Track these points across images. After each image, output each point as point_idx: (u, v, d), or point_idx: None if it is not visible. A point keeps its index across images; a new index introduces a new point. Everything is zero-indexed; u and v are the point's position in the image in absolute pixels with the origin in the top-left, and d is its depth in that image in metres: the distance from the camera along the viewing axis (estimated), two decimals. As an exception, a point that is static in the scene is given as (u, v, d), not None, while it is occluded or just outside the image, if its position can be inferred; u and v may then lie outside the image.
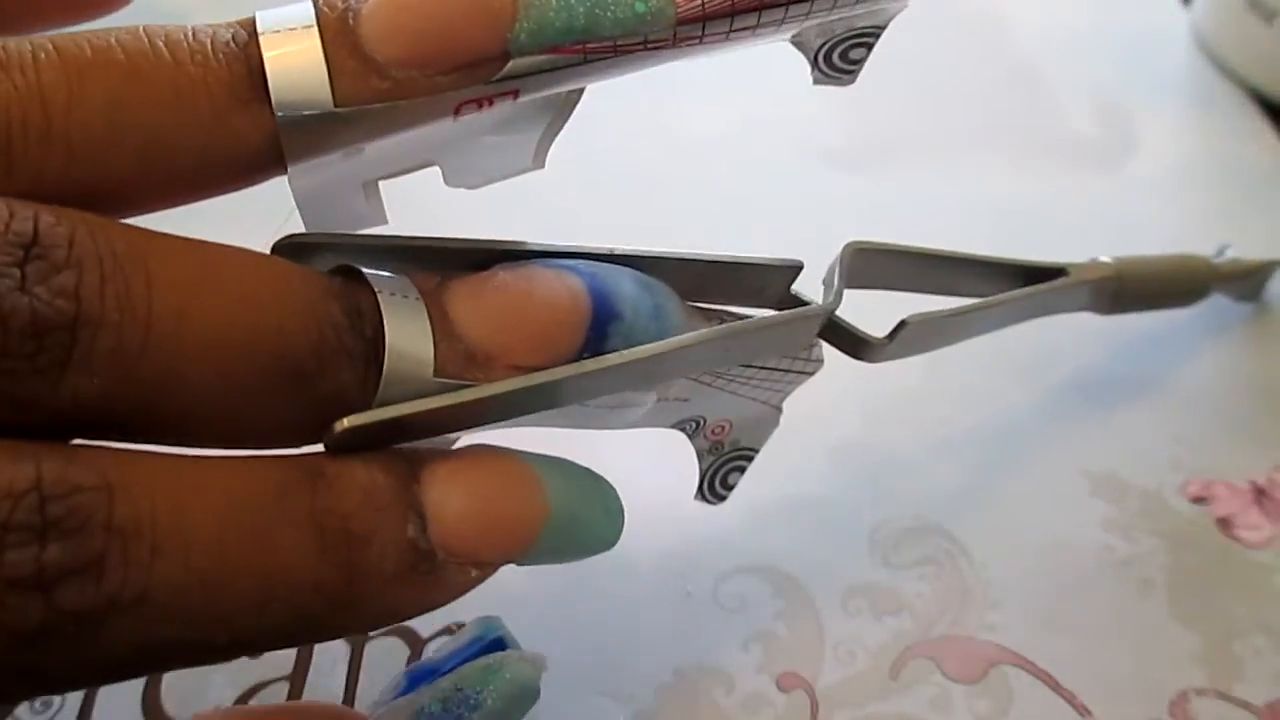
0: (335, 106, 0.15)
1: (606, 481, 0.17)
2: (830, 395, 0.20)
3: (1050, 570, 0.24)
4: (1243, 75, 0.39)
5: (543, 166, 0.18)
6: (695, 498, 0.21)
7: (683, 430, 0.20)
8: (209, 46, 0.15)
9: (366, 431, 0.15)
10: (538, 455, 0.16)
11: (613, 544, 0.17)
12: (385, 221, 0.18)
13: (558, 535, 0.16)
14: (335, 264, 0.16)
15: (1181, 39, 0.41)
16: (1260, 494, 0.26)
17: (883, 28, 0.18)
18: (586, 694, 0.21)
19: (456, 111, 0.16)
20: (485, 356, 0.16)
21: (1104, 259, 0.26)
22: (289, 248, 0.16)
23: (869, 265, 0.21)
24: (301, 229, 0.17)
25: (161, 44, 0.15)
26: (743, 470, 0.21)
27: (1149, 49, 0.40)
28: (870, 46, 0.18)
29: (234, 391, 0.14)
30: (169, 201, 0.15)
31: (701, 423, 0.20)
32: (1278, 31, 0.37)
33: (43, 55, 0.14)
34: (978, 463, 0.26)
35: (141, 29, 0.15)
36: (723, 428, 0.20)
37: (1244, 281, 0.29)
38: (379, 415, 0.15)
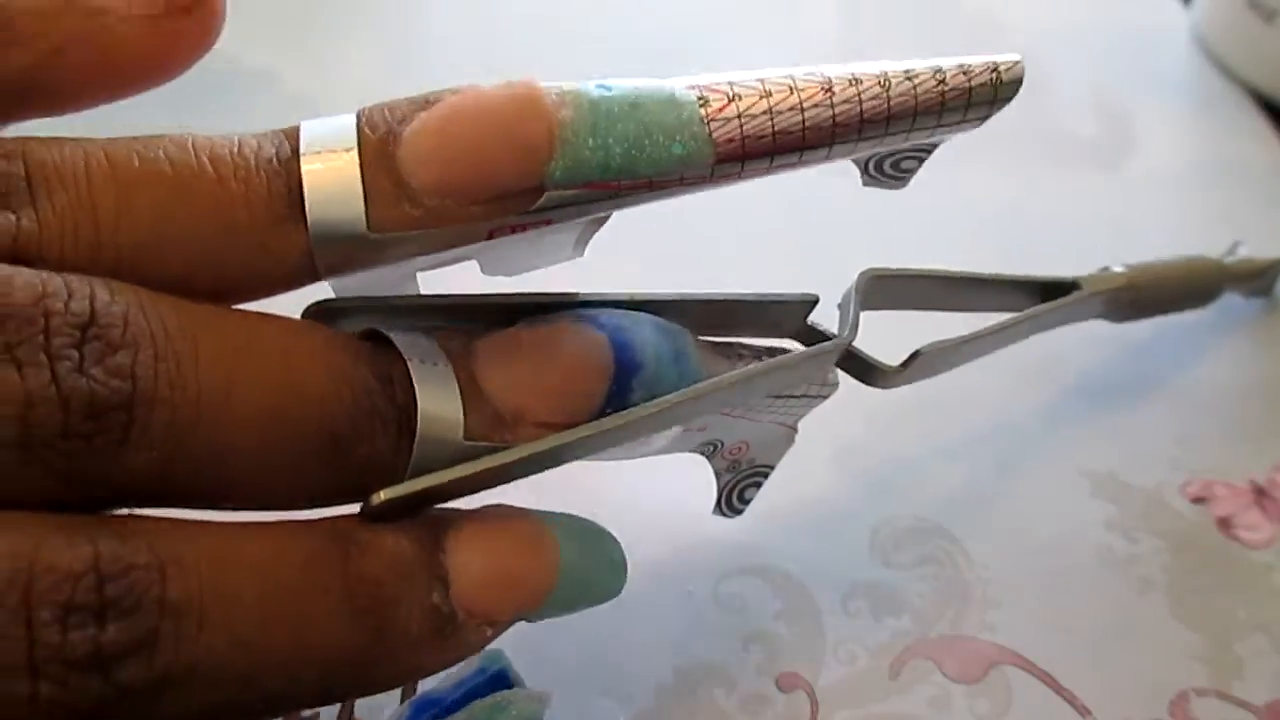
0: (368, 231, 0.15)
1: (610, 535, 0.18)
2: (831, 396, 0.20)
3: (1050, 570, 0.24)
4: (1243, 75, 0.39)
5: (582, 255, 0.18)
6: (713, 512, 0.21)
7: (701, 453, 0.20)
8: (252, 162, 0.16)
9: (400, 501, 0.15)
10: (549, 514, 0.17)
11: (616, 595, 0.18)
12: (416, 290, 0.18)
13: (567, 592, 0.17)
14: (363, 325, 0.17)
15: (1181, 39, 0.41)
16: (1260, 494, 0.26)
17: (936, 145, 0.18)
18: (586, 694, 0.21)
19: (490, 235, 0.16)
20: (513, 417, 0.16)
21: (1116, 269, 0.26)
22: (319, 313, 0.17)
23: (883, 290, 0.21)
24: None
25: (206, 158, 0.15)
26: (759, 486, 0.21)
27: (1149, 49, 0.40)
28: (922, 160, 0.18)
29: (275, 459, 0.15)
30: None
31: (719, 445, 0.20)
32: (1278, 31, 0.37)
33: (95, 166, 0.15)
34: (978, 463, 0.26)
35: (190, 141, 0.15)
36: (740, 449, 0.20)
37: (1256, 279, 0.30)
38: (413, 487, 0.15)
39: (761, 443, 0.20)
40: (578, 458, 0.17)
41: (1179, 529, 0.25)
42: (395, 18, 0.37)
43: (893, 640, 0.23)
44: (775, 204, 0.32)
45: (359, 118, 0.16)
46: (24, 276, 0.13)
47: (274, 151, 0.16)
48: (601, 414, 0.16)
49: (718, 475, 0.21)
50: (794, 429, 0.21)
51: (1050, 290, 0.24)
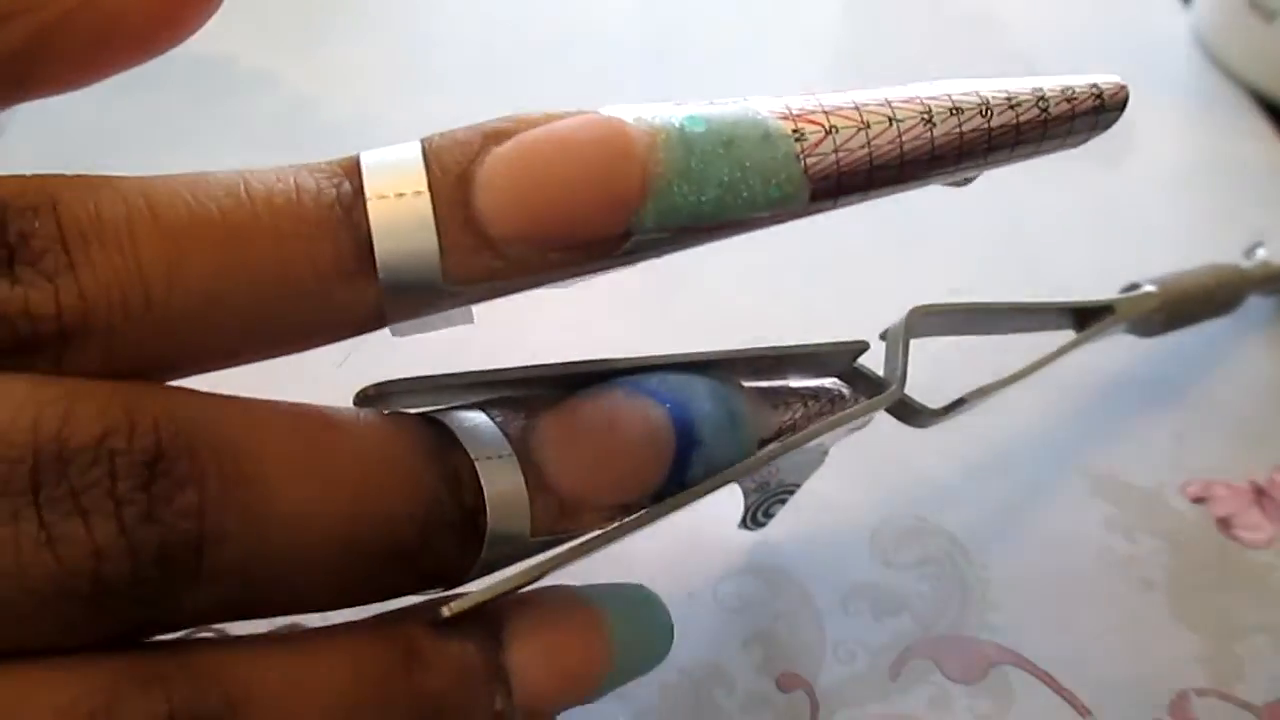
0: (444, 283, 0.14)
1: (658, 601, 0.18)
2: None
3: (1050, 570, 0.24)
4: (1243, 75, 0.39)
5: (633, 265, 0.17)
6: (738, 527, 0.21)
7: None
8: (313, 212, 0.14)
9: (468, 612, 0.15)
10: (601, 592, 0.17)
11: (662, 661, 0.18)
12: (471, 321, 0.17)
13: (621, 672, 0.17)
14: (417, 404, 0.16)
15: (1181, 39, 0.41)
16: (1260, 494, 0.26)
17: None
18: (587, 694, 0.21)
19: (566, 279, 0.15)
20: (574, 504, 0.16)
21: (1149, 288, 0.26)
22: (375, 397, 0.16)
23: (929, 323, 0.21)
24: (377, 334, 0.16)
25: (263, 209, 0.14)
26: (784, 503, 0.21)
27: (1149, 49, 0.40)
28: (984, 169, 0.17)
29: (343, 576, 0.14)
30: (266, 357, 0.15)
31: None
32: (1278, 31, 0.37)
33: (140, 223, 0.13)
34: (978, 463, 0.26)
35: (242, 188, 0.14)
36: (772, 472, 0.20)
37: (1274, 283, 0.30)
38: (484, 596, 0.15)
39: (793, 465, 0.20)
40: (634, 533, 0.17)
41: (1179, 529, 0.25)
42: (395, 18, 0.37)
43: (893, 640, 0.22)
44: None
45: (425, 153, 0.14)
46: (83, 409, 0.13)
47: (335, 194, 0.14)
48: (661, 490, 0.16)
49: (746, 494, 0.21)
50: (825, 451, 0.21)
51: (1083, 314, 0.24)
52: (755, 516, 0.21)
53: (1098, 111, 0.16)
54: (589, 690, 0.16)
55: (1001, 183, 0.33)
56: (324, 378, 0.17)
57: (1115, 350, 0.28)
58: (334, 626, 0.15)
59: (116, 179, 0.14)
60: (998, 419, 0.27)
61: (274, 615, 0.15)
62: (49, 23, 0.14)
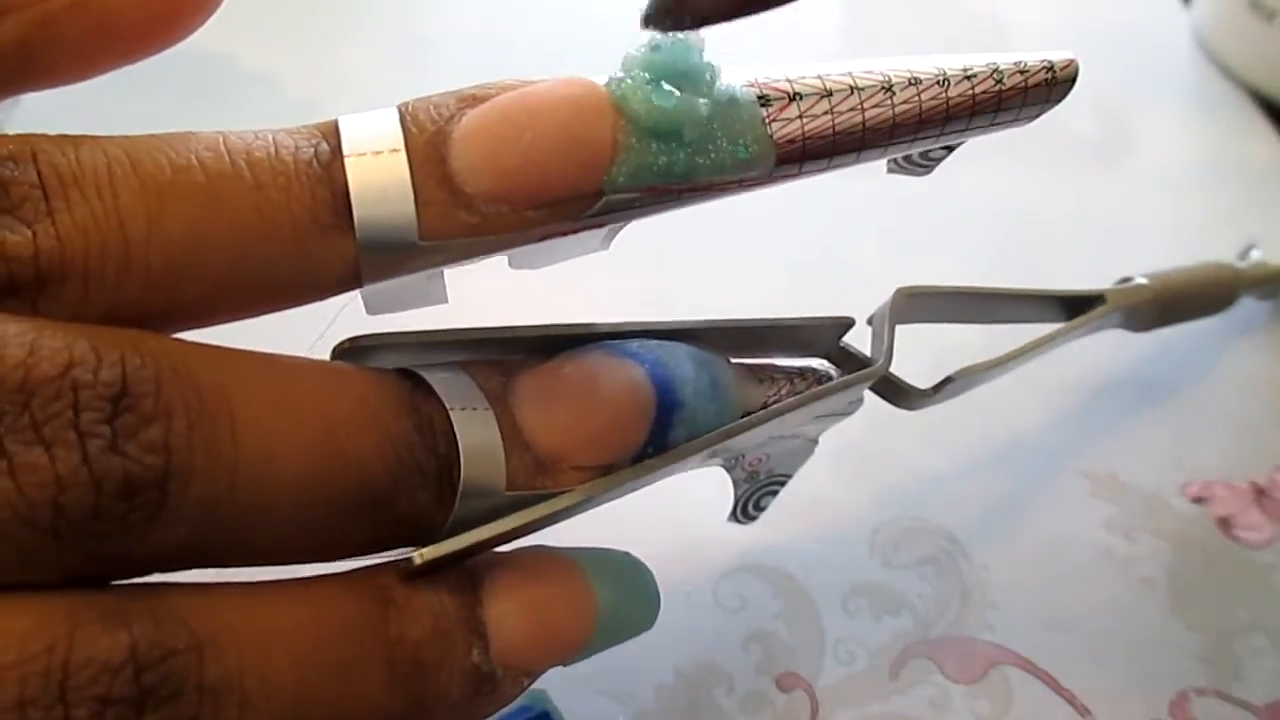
0: (420, 239, 0.15)
1: (644, 566, 0.17)
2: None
3: (1050, 570, 0.24)
4: (1243, 75, 0.39)
5: (608, 249, 0.17)
6: (728, 519, 0.21)
7: (722, 465, 0.20)
8: (292, 166, 0.14)
9: (441, 560, 0.15)
10: (583, 553, 0.17)
11: (650, 627, 0.17)
12: (446, 300, 0.17)
13: (604, 635, 0.16)
14: (396, 363, 0.16)
15: (1181, 39, 0.41)
16: (1260, 494, 0.26)
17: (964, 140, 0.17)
18: (586, 694, 0.21)
19: (541, 238, 0.16)
20: (552, 461, 0.16)
21: (1139, 280, 0.26)
22: (350, 351, 0.16)
23: (915, 306, 0.21)
24: (353, 313, 0.17)
25: (243, 162, 0.14)
26: (775, 494, 0.21)
27: (1149, 49, 0.40)
28: (952, 150, 0.18)
29: (313, 521, 0.14)
30: (241, 316, 0.15)
31: (741, 458, 0.20)
32: (1278, 31, 0.37)
33: (119, 172, 0.14)
34: (977, 463, 0.26)
35: (222, 143, 0.14)
36: (760, 460, 0.20)
37: (1269, 284, 0.30)
38: (454, 546, 0.15)
39: (782, 454, 0.20)
40: (615, 498, 0.17)
41: (1179, 529, 0.25)
42: (395, 19, 0.37)
43: (893, 640, 0.22)
44: (769, 198, 0.32)
45: (402, 115, 0.15)
46: (49, 342, 0.12)
47: (313, 152, 0.15)
48: (641, 452, 0.16)
49: (736, 485, 0.21)
50: (815, 441, 0.21)
51: (1075, 304, 0.24)
52: (745, 509, 0.21)
53: (1049, 85, 0.17)
54: (571, 649, 0.16)
55: (1001, 182, 0.34)
56: (302, 352, 0.17)
57: (1115, 351, 0.28)
58: (305, 578, 0.15)
59: (100, 137, 0.14)
60: (998, 419, 0.27)
61: (244, 564, 0.14)
62: (46, 16, 0.14)
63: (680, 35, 0.15)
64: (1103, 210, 0.33)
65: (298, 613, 0.14)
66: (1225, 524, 0.25)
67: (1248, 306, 0.30)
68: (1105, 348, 0.28)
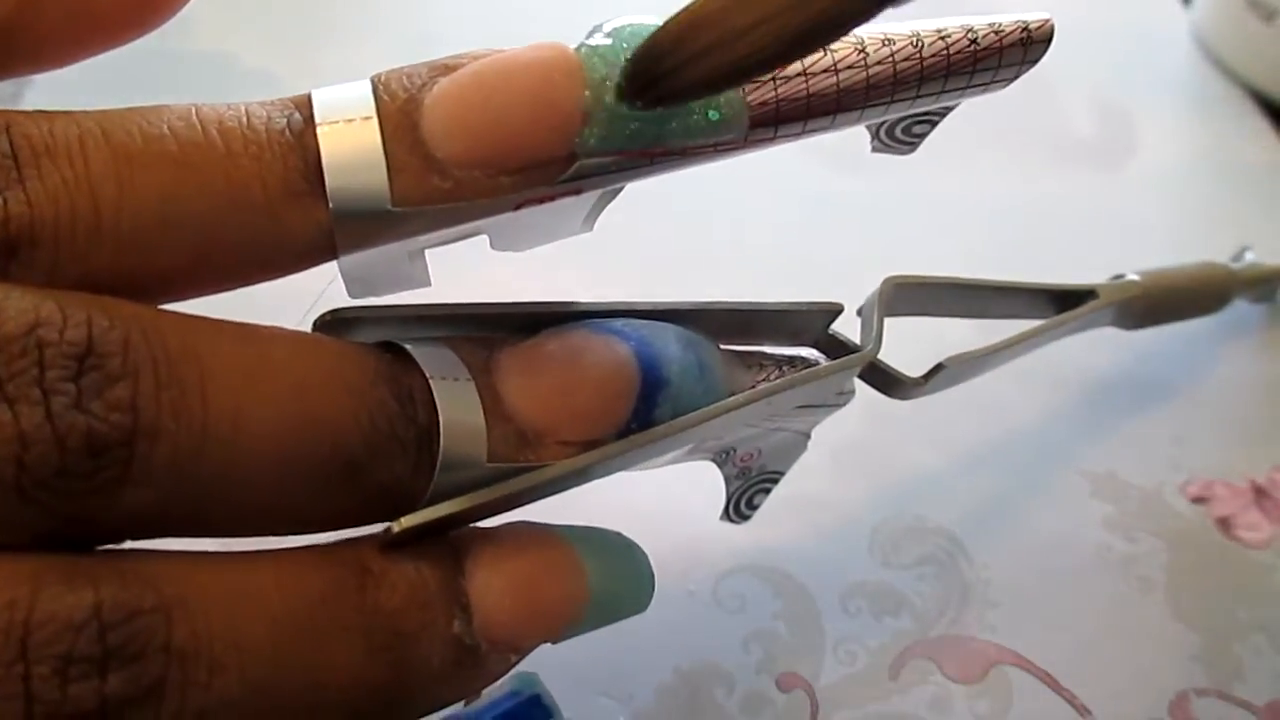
0: (393, 206, 0.15)
1: (637, 548, 0.17)
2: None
3: (1050, 570, 0.24)
4: (1243, 75, 0.39)
5: (591, 230, 0.17)
6: (721, 518, 0.21)
7: (714, 460, 0.20)
8: (264, 135, 0.14)
9: (420, 529, 0.15)
10: (574, 530, 0.16)
11: (644, 610, 0.17)
12: (429, 284, 0.17)
13: (596, 614, 0.16)
14: (377, 336, 0.16)
15: (1181, 39, 0.41)
16: (1260, 494, 0.26)
17: (951, 109, 0.17)
18: (586, 694, 0.21)
19: (516, 207, 0.15)
20: (535, 435, 0.16)
21: (1131, 276, 0.26)
22: (331, 323, 0.16)
23: (904, 297, 0.21)
24: (340, 294, 0.17)
25: (215, 131, 0.14)
26: (768, 492, 0.21)
27: (1149, 49, 0.40)
28: (935, 125, 0.17)
29: (287, 488, 0.14)
30: (217, 288, 0.15)
31: (732, 453, 0.20)
32: (1278, 31, 0.37)
33: (91, 143, 0.14)
34: (977, 462, 0.26)
35: (194, 113, 0.14)
36: (752, 455, 0.20)
37: (1263, 285, 0.30)
38: (433, 515, 0.15)
39: (773, 449, 0.20)
40: (600, 476, 0.16)
41: (1179, 529, 0.25)
42: (396, 18, 0.37)
43: (893, 640, 0.22)
44: (769, 197, 0.32)
45: (375, 84, 0.15)
46: (14, 302, 0.12)
47: (285, 121, 0.15)
48: (626, 429, 0.16)
49: (728, 481, 0.21)
50: (807, 436, 0.21)
51: (1067, 298, 0.24)
52: (738, 507, 0.21)
53: (1024, 44, 0.17)
54: (558, 626, 0.16)
55: (998, 180, 0.34)
56: None
57: (1115, 351, 0.28)
58: (280, 549, 0.14)
59: (74, 110, 0.14)
60: (997, 419, 0.27)
61: (217, 535, 0.14)
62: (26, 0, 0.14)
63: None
64: (1100, 209, 0.33)
65: (271, 578, 0.14)
66: (1225, 524, 0.25)
67: (1241, 310, 0.30)
68: (1104, 348, 0.28)
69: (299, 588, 0.14)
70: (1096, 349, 0.29)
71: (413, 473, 0.15)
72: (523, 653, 0.16)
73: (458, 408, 0.15)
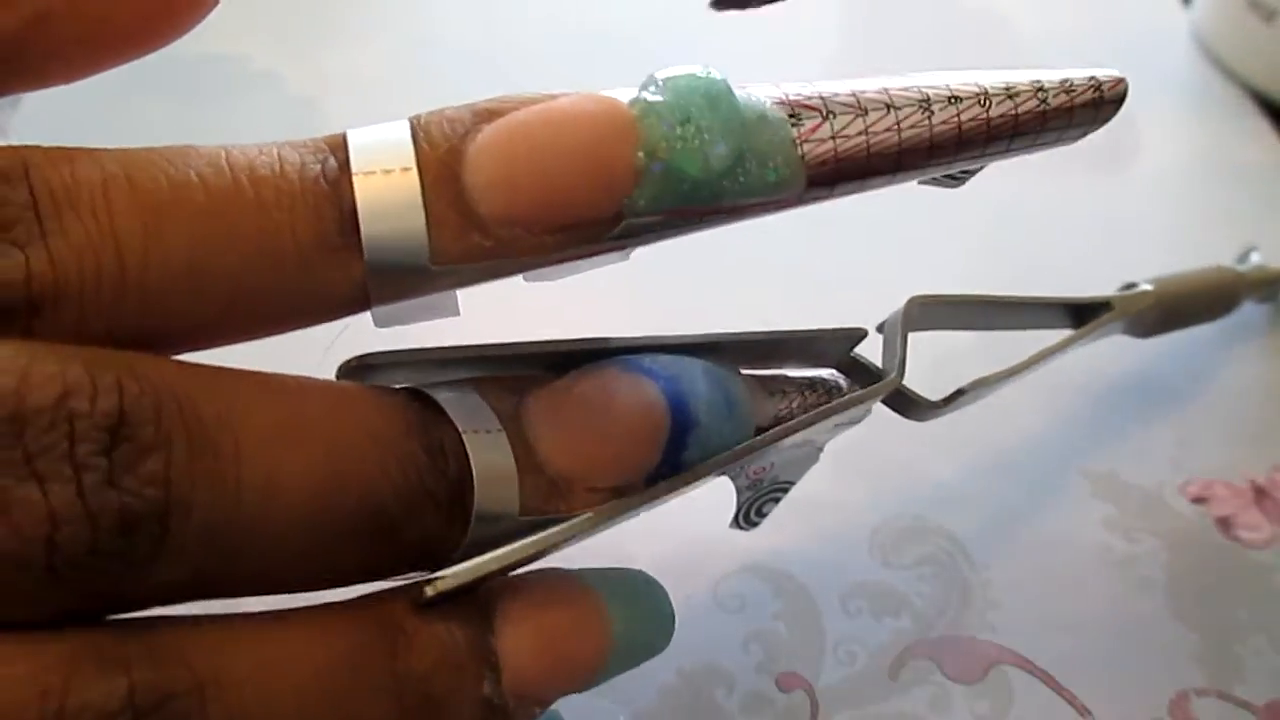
0: (431, 264, 0.14)
1: (659, 587, 0.17)
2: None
3: (1050, 570, 0.24)
4: (1243, 75, 0.39)
5: (627, 259, 0.16)
6: (730, 526, 0.21)
7: (725, 474, 0.20)
8: (297, 183, 0.14)
9: (454, 591, 0.15)
10: (598, 575, 0.16)
11: (665, 648, 0.17)
12: (457, 313, 0.16)
13: (619, 661, 0.16)
14: (403, 379, 0.16)
15: (1181, 39, 0.41)
16: (1260, 494, 0.26)
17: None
18: (586, 694, 0.21)
19: (556, 262, 0.15)
20: (565, 483, 0.15)
21: (1144, 286, 0.26)
22: (357, 369, 0.16)
23: (926, 314, 0.21)
24: (360, 320, 0.16)
25: (245, 179, 0.13)
26: (778, 501, 0.21)
27: (1149, 49, 0.40)
28: (984, 165, 0.17)
29: (318, 546, 0.14)
30: (243, 338, 0.15)
31: (745, 467, 0.20)
32: (1278, 31, 0.37)
33: (115, 191, 0.13)
34: (978, 463, 0.26)
35: (224, 159, 0.14)
36: (764, 469, 0.20)
37: (1268, 287, 0.30)
38: (468, 575, 0.15)
39: (786, 462, 0.20)
40: (629, 519, 0.16)
41: (1179, 529, 0.25)
42: (398, 20, 0.37)
43: (893, 640, 0.23)
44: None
45: (414, 129, 0.14)
46: (42, 369, 0.12)
47: (319, 168, 0.14)
48: (655, 471, 0.16)
49: (739, 492, 0.21)
50: (819, 449, 0.21)
51: (1081, 310, 0.24)
52: (748, 515, 0.21)
53: (1096, 105, 0.16)
54: (585, 677, 0.16)
55: (1001, 183, 0.33)
56: (309, 368, 0.17)
57: (1115, 351, 0.28)
58: (310, 606, 0.14)
59: (94, 149, 0.13)
60: (998, 419, 0.27)
61: (248, 594, 0.14)
62: (40, 14, 0.13)
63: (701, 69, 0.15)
64: (1101, 210, 0.33)
65: (303, 645, 0.14)
66: (1225, 524, 0.25)
67: (1247, 309, 0.30)
68: (1106, 349, 0.28)
69: (331, 653, 0.14)
70: (1097, 350, 0.29)
71: (445, 527, 0.15)
72: (547, 705, 0.16)
73: (491, 461, 0.15)
